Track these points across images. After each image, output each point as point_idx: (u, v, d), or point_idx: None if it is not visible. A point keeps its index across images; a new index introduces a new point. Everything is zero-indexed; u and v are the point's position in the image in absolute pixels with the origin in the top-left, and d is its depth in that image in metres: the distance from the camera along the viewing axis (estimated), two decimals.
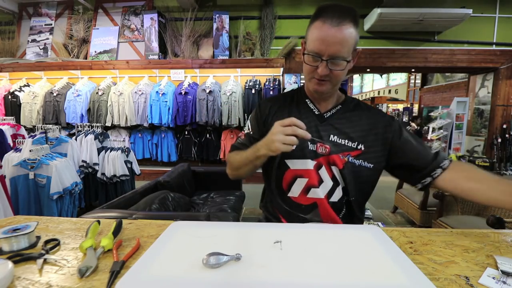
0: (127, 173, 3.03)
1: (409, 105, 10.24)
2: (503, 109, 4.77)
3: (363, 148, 0.81)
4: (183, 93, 4.30)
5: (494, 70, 4.75)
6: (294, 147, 0.70)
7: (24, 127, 3.67)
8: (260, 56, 4.47)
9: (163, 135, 4.63)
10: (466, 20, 4.16)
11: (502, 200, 0.69)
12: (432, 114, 5.72)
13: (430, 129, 5.54)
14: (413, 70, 5.77)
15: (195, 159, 4.69)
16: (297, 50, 4.46)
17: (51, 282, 0.49)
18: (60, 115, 4.50)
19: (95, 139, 2.99)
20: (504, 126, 4.78)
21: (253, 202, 3.16)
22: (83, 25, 4.81)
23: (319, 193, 0.82)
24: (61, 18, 5.06)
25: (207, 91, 4.22)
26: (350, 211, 0.86)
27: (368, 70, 5.86)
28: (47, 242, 0.63)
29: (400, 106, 11.17)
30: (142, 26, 4.68)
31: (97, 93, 4.46)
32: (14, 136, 3.02)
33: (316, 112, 0.86)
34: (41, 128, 2.72)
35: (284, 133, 0.69)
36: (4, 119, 3.19)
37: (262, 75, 4.48)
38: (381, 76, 11.14)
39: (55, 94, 4.48)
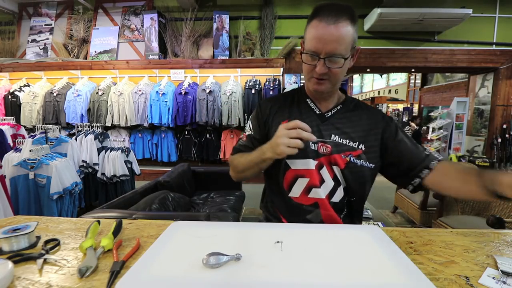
0: (127, 173, 3.03)
1: (409, 105, 10.24)
2: (503, 109, 4.77)
3: (363, 148, 0.81)
4: (183, 93, 4.30)
5: (494, 70, 4.75)
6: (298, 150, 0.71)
7: (24, 127, 3.67)
8: (260, 56, 4.47)
9: (163, 135, 4.63)
10: (466, 20, 4.16)
11: (461, 188, 0.72)
12: (432, 114, 5.72)
13: (430, 129, 5.54)
14: (413, 70, 5.77)
15: (195, 159, 4.69)
16: (297, 50, 4.46)
17: (51, 282, 0.49)
18: (60, 115, 4.50)
19: (95, 139, 2.99)
20: (504, 126, 4.78)
21: (253, 202, 3.16)
22: (83, 25, 4.81)
23: (320, 193, 0.82)
24: (61, 18, 5.06)
25: (207, 91, 4.22)
26: (351, 211, 0.85)
27: (368, 70, 5.86)
28: (47, 242, 0.63)
29: (400, 106, 11.17)
30: (142, 26, 4.68)
31: (97, 93, 4.46)
32: (14, 136, 3.02)
33: (317, 112, 0.86)
34: (41, 128, 2.72)
35: (288, 136, 0.69)
36: (4, 119, 3.19)
37: (262, 75, 4.49)
38: (381, 76, 11.14)
39: (55, 94, 4.48)
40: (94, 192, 3.09)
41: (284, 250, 0.57)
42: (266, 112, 0.90)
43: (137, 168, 3.24)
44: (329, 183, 0.82)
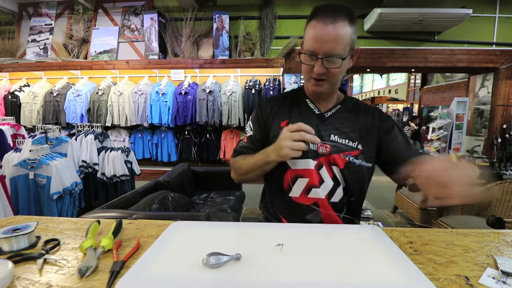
0: (127, 173, 3.03)
1: (409, 105, 10.24)
2: (503, 109, 4.77)
3: (361, 148, 0.82)
4: (183, 93, 4.30)
5: (494, 70, 4.75)
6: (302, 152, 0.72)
7: (24, 127, 3.67)
8: (260, 56, 4.47)
9: (163, 135, 4.63)
10: (466, 20, 4.16)
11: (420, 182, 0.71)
12: (432, 114, 5.72)
13: (430, 129, 5.54)
14: (413, 70, 5.77)
15: (195, 159, 4.69)
16: (297, 50, 4.44)
17: (51, 282, 0.49)
18: (60, 115, 4.50)
19: (95, 139, 2.99)
20: (504, 126, 4.78)
21: (253, 202, 3.16)
22: (83, 25, 4.81)
23: (320, 193, 0.82)
24: (61, 18, 5.06)
25: (207, 91, 4.22)
26: (350, 211, 0.86)
27: (368, 70, 5.86)
28: (47, 242, 0.63)
29: (400, 106, 11.17)
30: (142, 26, 4.68)
31: (97, 93, 4.46)
32: (14, 136, 3.02)
33: (317, 112, 0.86)
34: (41, 128, 2.72)
35: (292, 139, 0.70)
36: (4, 119, 3.19)
37: (262, 75, 4.49)
38: (381, 76, 11.14)
39: (55, 94, 4.48)
40: (94, 192, 3.09)
41: (284, 250, 0.57)
42: (266, 112, 0.90)
43: (137, 168, 3.24)
44: (328, 183, 0.82)
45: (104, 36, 4.84)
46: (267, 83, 4.37)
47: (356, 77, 13.29)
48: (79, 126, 3.23)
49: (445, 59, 4.59)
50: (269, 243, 0.60)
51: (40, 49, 4.99)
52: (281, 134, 0.73)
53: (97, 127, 3.19)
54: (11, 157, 2.35)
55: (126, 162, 3.04)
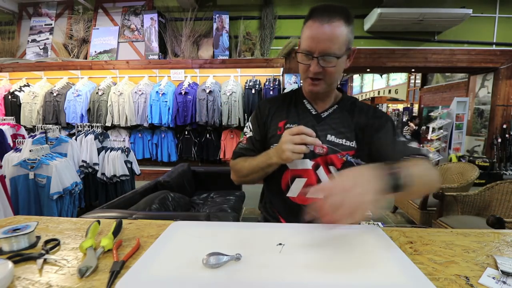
0: (127, 173, 3.03)
1: (409, 105, 10.24)
2: (503, 109, 4.77)
3: (357, 147, 0.82)
4: (183, 93, 4.30)
5: (494, 70, 4.75)
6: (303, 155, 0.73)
7: (24, 127, 3.67)
8: (260, 56, 4.47)
9: (163, 135, 4.63)
10: (466, 20, 4.16)
11: None
12: (432, 114, 5.72)
13: (430, 129, 5.54)
14: (413, 70, 5.78)
15: (195, 159, 4.69)
16: (297, 50, 4.46)
17: (51, 282, 0.49)
18: (60, 115, 4.50)
19: (95, 139, 2.99)
20: (504, 126, 4.78)
21: (253, 202, 3.16)
22: (83, 25, 4.81)
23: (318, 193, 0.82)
24: (61, 18, 5.06)
25: (207, 91, 4.22)
26: None
27: (368, 70, 5.87)
28: (47, 242, 0.63)
29: (400, 106, 11.17)
30: (142, 26, 4.69)
31: (97, 93, 4.46)
32: (14, 136, 3.02)
33: (313, 112, 0.86)
34: (41, 128, 2.72)
35: (293, 142, 0.70)
36: (4, 119, 3.19)
37: (262, 75, 4.49)
38: (381, 76, 11.14)
39: (55, 94, 4.48)
40: (94, 192, 3.09)
41: (284, 250, 0.57)
42: (265, 112, 0.90)
43: (137, 168, 3.24)
44: None
45: (104, 36, 4.84)
46: (267, 83, 4.37)
47: (356, 77, 13.30)
48: (79, 126, 3.23)
49: (445, 59, 4.59)
50: (269, 243, 0.60)
51: (40, 49, 4.99)
52: (282, 137, 0.73)
53: (97, 127, 3.19)
54: (11, 157, 2.35)
55: (126, 162, 3.04)
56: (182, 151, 4.67)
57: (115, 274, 0.50)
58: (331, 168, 0.82)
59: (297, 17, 4.54)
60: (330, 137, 0.82)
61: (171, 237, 0.64)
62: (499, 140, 4.79)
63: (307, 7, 4.57)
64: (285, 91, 4.01)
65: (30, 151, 2.17)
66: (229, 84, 4.34)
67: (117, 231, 0.67)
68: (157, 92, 4.34)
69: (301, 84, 0.92)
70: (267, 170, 0.81)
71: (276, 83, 4.35)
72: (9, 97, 4.58)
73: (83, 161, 2.87)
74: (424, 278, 0.48)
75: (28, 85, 4.76)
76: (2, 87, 4.77)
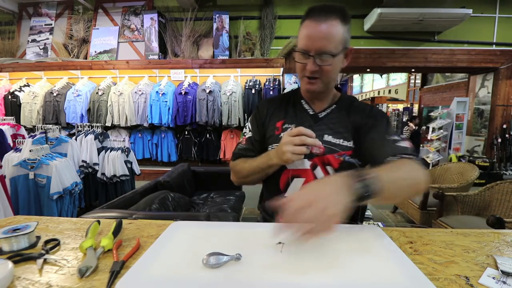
0: (127, 173, 3.03)
1: (409, 105, 10.24)
2: (503, 109, 4.77)
3: (355, 146, 0.81)
4: (183, 93, 4.30)
5: (494, 70, 4.75)
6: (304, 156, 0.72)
7: (24, 127, 3.67)
8: (260, 56, 4.47)
9: (163, 135, 4.63)
10: (466, 20, 4.16)
11: None
12: (432, 114, 5.72)
13: (430, 129, 5.54)
14: (413, 70, 5.78)
15: (195, 159, 4.69)
16: None
17: (51, 282, 0.49)
18: (60, 115, 4.50)
19: (95, 139, 2.99)
20: (504, 126, 4.78)
21: (253, 202, 3.16)
22: (83, 25, 4.81)
23: None
24: (61, 18, 5.07)
25: (207, 91, 4.22)
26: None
27: (368, 70, 5.87)
28: (47, 242, 0.63)
29: (400, 106, 11.17)
30: (142, 26, 4.69)
31: (97, 93, 4.46)
32: (14, 136, 3.02)
33: (311, 113, 0.86)
34: (41, 128, 2.72)
35: (293, 143, 0.70)
36: (4, 119, 3.19)
37: (262, 75, 4.49)
38: (381, 76, 11.14)
39: (55, 94, 4.48)
40: (94, 192, 3.09)
41: (284, 250, 0.57)
42: (264, 113, 0.91)
43: (137, 168, 3.24)
44: None
45: (104, 36, 4.84)
46: (267, 83, 4.37)
47: (356, 77, 13.29)
48: (79, 126, 3.23)
49: (445, 59, 4.59)
50: (269, 243, 0.60)
51: (40, 49, 4.99)
52: (282, 139, 0.74)
53: (97, 127, 3.19)
54: (11, 157, 2.35)
55: (126, 162, 3.04)
56: (182, 151, 4.67)
57: (115, 274, 0.50)
58: (328, 168, 0.82)
59: (297, 17, 4.54)
60: (327, 137, 0.82)
61: (171, 237, 0.64)
62: (499, 140, 4.79)
63: (307, 7, 4.55)
64: (285, 91, 4.01)
65: (30, 151, 2.17)
66: (229, 84, 4.34)
67: (117, 231, 0.67)
68: (157, 92, 4.34)
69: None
70: (268, 171, 0.81)
71: (276, 83, 4.35)
72: (9, 97, 4.59)
73: (83, 161, 2.87)
74: (424, 278, 0.48)
75: (28, 85, 4.76)
76: (2, 87, 4.77)
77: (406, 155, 0.71)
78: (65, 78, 4.75)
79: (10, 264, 0.50)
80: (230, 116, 4.32)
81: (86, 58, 4.83)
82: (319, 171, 0.82)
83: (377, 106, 11.87)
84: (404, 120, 10.04)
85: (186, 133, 4.63)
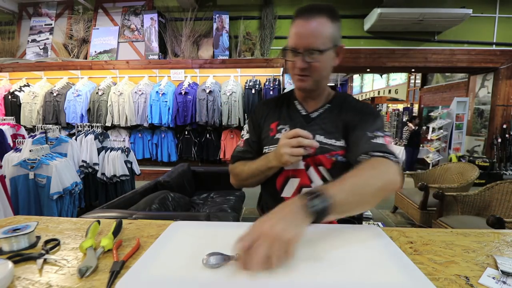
0: (127, 173, 3.03)
1: (409, 105, 10.23)
2: (503, 109, 4.77)
3: (346, 145, 0.80)
4: (183, 93, 4.30)
5: (494, 70, 4.75)
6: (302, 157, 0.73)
7: (24, 127, 3.67)
8: (260, 56, 4.47)
9: (163, 135, 4.63)
10: (466, 20, 4.16)
11: None
12: (432, 114, 5.72)
13: (430, 129, 5.54)
14: (413, 70, 5.77)
15: (195, 159, 4.70)
16: None
17: (51, 282, 0.49)
18: (60, 115, 4.51)
19: (95, 139, 2.99)
20: (504, 126, 4.79)
21: (253, 202, 3.15)
22: (83, 25, 4.81)
23: None
24: (61, 18, 5.07)
25: (207, 91, 4.22)
26: None
27: (368, 70, 5.87)
28: (47, 242, 0.63)
29: (400, 106, 11.16)
30: (142, 26, 4.69)
31: (97, 93, 4.46)
32: (14, 136, 3.02)
33: (303, 113, 0.86)
34: (41, 128, 2.72)
35: (290, 145, 0.71)
36: (4, 119, 3.19)
37: (262, 75, 4.49)
38: (381, 76, 11.13)
39: (55, 94, 4.49)
40: (94, 192, 3.09)
41: None
42: (259, 114, 0.92)
43: (137, 168, 3.24)
44: (318, 183, 0.81)
45: (104, 36, 4.84)
46: (267, 83, 4.37)
47: (356, 77, 13.29)
48: (79, 126, 3.23)
49: (445, 59, 4.59)
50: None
51: (40, 49, 4.99)
52: (279, 141, 0.74)
53: (97, 127, 3.19)
54: (11, 157, 2.35)
55: (126, 162, 3.04)
56: (182, 151, 4.67)
57: (115, 274, 0.50)
58: (321, 168, 0.81)
59: None
60: (319, 138, 0.81)
61: (171, 237, 0.64)
62: (499, 140, 4.79)
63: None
64: (285, 91, 4.01)
65: (30, 151, 2.17)
66: (229, 84, 4.34)
67: (117, 231, 0.67)
68: (157, 92, 4.34)
69: None
70: (267, 173, 0.82)
71: (276, 83, 4.35)
72: (9, 97, 4.59)
73: (83, 161, 2.87)
74: (424, 278, 0.48)
75: (28, 85, 4.76)
76: (2, 87, 4.77)
77: (379, 152, 0.70)
78: (65, 78, 4.75)
79: (10, 264, 0.50)
80: (230, 116, 4.32)
81: (86, 58, 4.84)
82: (312, 172, 0.82)
83: (377, 106, 11.86)
84: (404, 120, 10.03)
85: (186, 133, 4.63)
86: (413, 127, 5.49)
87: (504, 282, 0.49)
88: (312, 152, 0.77)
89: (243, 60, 4.44)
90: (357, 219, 0.89)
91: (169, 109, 4.36)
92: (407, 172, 3.36)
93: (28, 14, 5.13)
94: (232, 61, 4.45)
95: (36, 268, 0.54)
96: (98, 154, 2.97)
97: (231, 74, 4.53)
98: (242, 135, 0.95)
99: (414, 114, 7.22)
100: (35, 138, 2.56)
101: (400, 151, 5.91)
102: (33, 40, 5.02)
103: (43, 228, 0.73)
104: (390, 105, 12.06)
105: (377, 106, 12.00)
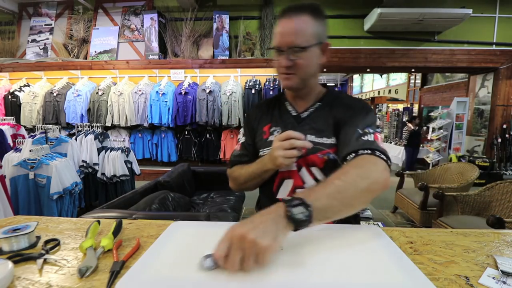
0: (127, 173, 3.03)
1: (409, 105, 10.23)
2: (503, 109, 4.77)
3: (337, 142, 0.79)
4: (183, 93, 4.30)
5: (494, 70, 4.75)
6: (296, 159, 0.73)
7: (24, 127, 3.68)
8: (260, 56, 4.47)
9: (163, 135, 4.63)
10: (466, 20, 4.16)
11: None
12: (432, 114, 5.72)
13: (430, 129, 5.54)
14: (413, 70, 5.77)
15: (195, 159, 4.70)
16: None
17: (51, 282, 0.49)
18: (60, 115, 4.51)
19: (95, 139, 2.99)
20: (504, 126, 4.78)
21: (253, 202, 3.15)
22: (83, 25, 4.81)
23: None
24: (61, 18, 5.07)
25: (207, 91, 4.22)
26: None
27: (368, 70, 5.86)
28: (47, 242, 0.63)
29: (400, 106, 11.16)
30: (142, 26, 4.69)
31: (97, 93, 4.46)
32: (14, 136, 3.02)
33: (294, 114, 0.86)
34: (41, 128, 2.72)
35: (282, 147, 0.71)
36: (4, 119, 3.19)
37: (262, 75, 4.49)
38: (381, 76, 11.13)
39: (55, 94, 4.49)
40: (94, 192, 3.09)
41: (284, 250, 0.57)
42: (253, 118, 0.92)
43: (137, 168, 3.25)
44: (310, 183, 0.81)
45: (104, 36, 4.84)
46: (267, 83, 4.37)
47: (356, 77, 13.29)
48: (79, 126, 3.23)
49: (445, 59, 4.59)
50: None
51: (40, 49, 4.99)
52: (273, 144, 0.75)
53: (97, 127, 3.19)
54: (11, 157, 2.36)
55: (126, 162, 3.04)
56: (182, 151, 4.67)
57: (115, 274, 0.50)
58: (313, 169, 0.81)
59: None
60: (311, 137, 0.81)
61: (171, 237, 0.64)
62: (499, 140, 4.79)
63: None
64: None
65: (30, 151, 2.17)
66: (229, 84, 4.34)
67: (117, 231, 0.67)
68: (157, 92, 4.34)
69: None
70: (264, 176, 0.82)
71: (276, 83, 4.35)
72: (9, 97, 4.59)
73: (83, 161, 2.87)
74: (424, 278, 0.48)
75: (28, 85, 4.76)
76: (2, 87, 4.77)
77: (367, 150, 0.68)
78: (65, 78, 4.75)
79: (10, 264, 0.50)
80: (230, 116, 4.32)
81: (86, 58, 4.84)
82: (304, 173, 0.81)
83: (377, 106, 11.86)
84: (404, 120, 10.03)
85: (186, 133, 4.63)
86: (412, 127, 5.49)
87: (504, 282, 0.49)
88: (303, 153, 0.76)
89: (243, 60, 4.44)
90: (354, 219, 0.88)
91: (169, 109, 4.36)
92: (407, 172, 3.36)
93: (28, 14, 5.13)
94: (232, 61, 4.45)
95: (36, 268, 0.54)
96: (98, 154, 2.97)
97: (231, 74, 4.54)
98: (239, 138, 0.96)
99: (414, 114, 7.21)
100: (35, 138, 2.56)
101: (400, 151, 5.91)
102: (33, 40, 5.02)
103: (43, 228, 0.73)
104: (390, 105, 12.06)
105: (377, 106, 12.00)
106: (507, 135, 4.78)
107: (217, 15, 4.44)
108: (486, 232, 0.71)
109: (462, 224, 2.04)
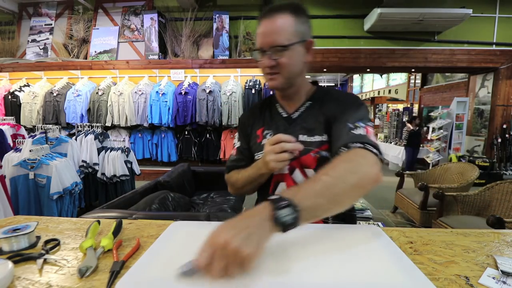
0: (127, 173, 3.03)
1: (409, 105, 10.22)
2: (503, 109, 4.77)
3: (329, 139, 0.78)
4: (183, 93, 4.30)
5: (494, 70, 4.75)
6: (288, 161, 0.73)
7: (24, 127, 3.67)
8: None
9: (163, 135, 4.63)
10: (466, 20, 4.16)
11: None
12: (432, 114, 5.72)
13: (430, 129, 5.54)
14: (413, 70, 5.77)
15: (195, 159, 4.70)
16: None
17: (51, 282, 0.49)
18: (60, 115, 4.51)
19: (95, 139, 2.99)
20: (504, 126, 4.79)
21: (253, 202, 3.15)
22: (83, 25, 4.82)
23: None
24: (61, 18, 5.07)
25: (207, 91, 4.22)
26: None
27: (368, 70, 5.86)
28: (47, 242, 0.63)
29: (400, 106, 11.16)
30: (142, 26, 4.69)
31: (97, 93, 4.46)
32: (14, 136, 3.02)
33: (284, 115, 0.86)
34: (41, 128, 2.72)
35: (273, 151, 0.71)
36: (4, 119, 3.19)
37: (262, 75, 4.47)
38: (381, 76, 11.13)
39: (55, 94, 4.49)
40: (94, 192, 3.09)
41: (283, 250, 0.57)
42: (246, 123, 0.92)
43: (137, 168, 3.25)
44: None
45: (104, 36, 4.84)
46: (267, 83, 4.36)
47: (356, 77, 13.29)
48: (79, 126, 3.23)
49: (445, 59, 4.59)
50: (268, 243, 0.60)
51: (40, 49, 4.99)
52: (264, 148, 0.75)
53: (97, 127, 3.19)
54: (11, 157, 2.36)
55: (126, 162, 3.04)
56: (182, 151, 4.67)
57: (115, 274, 0.50)
58: (307, 170, 0.80)
59: None
60: (302, 137, 0.80)
61: (171, 237, 0.64)
62: (499, 140, 4.79)
63: (306, 7, 4.58)
64: None
65: (30, 151, 2.17)
66: (229, 84, 4.34)
67: (117, 231, 0.67)
68: (157, 92, 4.34)
69: None
70: (260, 180, 0.82)
71: None
72: (9, 97, 4.59)
73: (83, 161, 2.87)
74: (424, 278, 0.48)
75: (28, 85, 4.76)
76: (2, 87, 4.77)
77: (358, 143, 0.67)
78: (65, 78, 4.75)
79: (10, 264, 0.50)
80: (230, 116, 4.32)
81: (86, 58, 4.84)
82: (297, 174, 0.81)
83: (377, 106, 11.86)
84: (404, 120, 10.02)
85: (186, 133, 4.63)
86: (411, 128, 5.49)
87: (504, 282, 0.49)
88: (297, 154, 0.76)
89: (243, 60, 4.44)
90: (350, 219, 0.87)
91: (169, 109, 4.36)
92: (407, 172, 3.36)
93: (28, 14, 5.13)
94: (232, 61, 4.45)
95: (36, 268, 0.54)
96: (98, 154, 2.97)
97: (231, 74, 4.53)
98: (234, 143, 0.96)
99: (414, 115, 7.21)
100: (35, 138, 2.56)
101: (400, 151, 5.91)
102: (33, 40, 5.02)
103: (43, 228, 0.73)
104: (390, 105, 12.06)
105: (377, 106, 12.00)
106: (507, 135, 4.78)
107: (217, 15, 4.44)
108: (486, 232, 0.71)
109: (462, 224, 2.04)
